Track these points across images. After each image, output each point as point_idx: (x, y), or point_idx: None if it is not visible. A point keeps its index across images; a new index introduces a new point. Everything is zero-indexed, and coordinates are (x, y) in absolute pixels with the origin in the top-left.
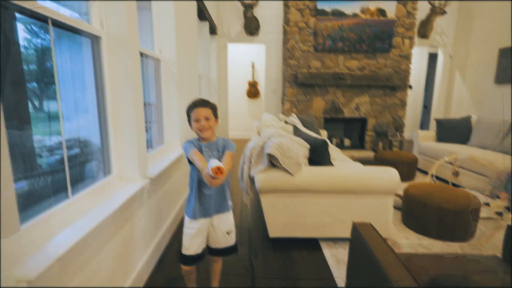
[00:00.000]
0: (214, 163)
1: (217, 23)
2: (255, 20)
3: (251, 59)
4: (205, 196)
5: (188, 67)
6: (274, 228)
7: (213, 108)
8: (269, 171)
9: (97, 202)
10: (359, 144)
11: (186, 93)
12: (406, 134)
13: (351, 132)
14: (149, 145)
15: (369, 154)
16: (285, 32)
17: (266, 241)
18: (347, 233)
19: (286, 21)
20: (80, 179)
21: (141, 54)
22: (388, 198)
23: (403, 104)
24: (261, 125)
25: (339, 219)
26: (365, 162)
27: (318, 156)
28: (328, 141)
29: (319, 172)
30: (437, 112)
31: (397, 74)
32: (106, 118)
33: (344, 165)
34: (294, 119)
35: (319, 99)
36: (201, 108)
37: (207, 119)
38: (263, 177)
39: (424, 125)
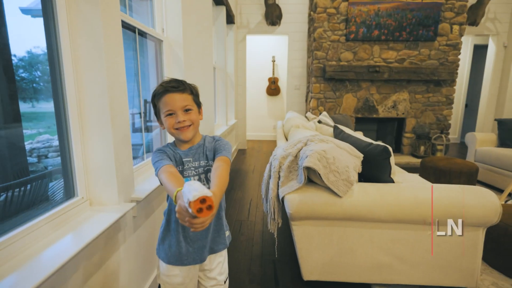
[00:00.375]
0: (194, 190)
1: (235, 11)
2: (277, 7)
3: (271, 53)
4: (194, 232)
5: (199, 53)
6: (310, 268)
7: (194, 92)
8: (305, 190)
9: (54, 238)
10: (394, 147)
11: (196, 82)
12: (451, 136)
13: (385, 134)
14: (149, 149)
15: (408, 159)
16: (311, 21)
17: (298, 283)
18: (414, 279)
19: (313, 7)
20: (30, 203)
21: (135, 31)
22: (478, 232)
23: (449, 101)
24: (288, 126)
25: (403, 259)
26: (407, 169)
27: (375, 169)
28: (390, 148)
29: (377, 192)
30: (485, 111)
31: (443, 66)
32: (66, 114)
33: (410, 182)
34: (326, 118)
35: (350, 96)
36: (176, 93)
37: (186, 110)
38: (297, 198)
39: (466, 126)
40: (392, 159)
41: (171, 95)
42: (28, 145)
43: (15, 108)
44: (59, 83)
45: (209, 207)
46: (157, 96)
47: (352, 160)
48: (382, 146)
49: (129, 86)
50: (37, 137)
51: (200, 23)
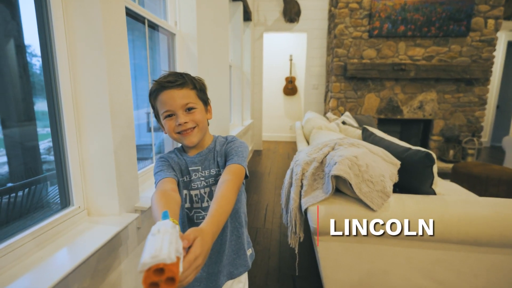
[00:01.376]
0: (150, 250)
1: (252, 8)
2: (296, 3)
3: (288, 52)
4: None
5: (215, 50)
6: None
7: (198, 86)
8: (332, 201)
9: (43, 254)
10: None
11: (212, 80)
12: (483, 140)
13: (410, 136)
14: (161, 149)
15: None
16: (331, 17)
17: None
18: None
19: (334, 2)
20: (23, 211)
21: (145, 22)
22: None
23: (482, 102)
24: (309, 127)
25: (445, 284)
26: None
27: (413, 178)
28: (433, 155)
29: (418, 206)
30: None
31: (476, 64)
32: (59, 112)
33: (452, 193)
34: (349, 119)
35: (373, 95)
36: (174, 90)
37: (189, 109)
38: (323, 211)
39: (497, 129)
40: (435, 167)
41: (168, 92)
42: (47, 143)
43: (29, 107)
44: (53, 77)
45: (170, 280)
46: (152, 95)
47: (388, 167)
48: (424, 152)
49: (144, 84)
50: None
51: (216, 18)
